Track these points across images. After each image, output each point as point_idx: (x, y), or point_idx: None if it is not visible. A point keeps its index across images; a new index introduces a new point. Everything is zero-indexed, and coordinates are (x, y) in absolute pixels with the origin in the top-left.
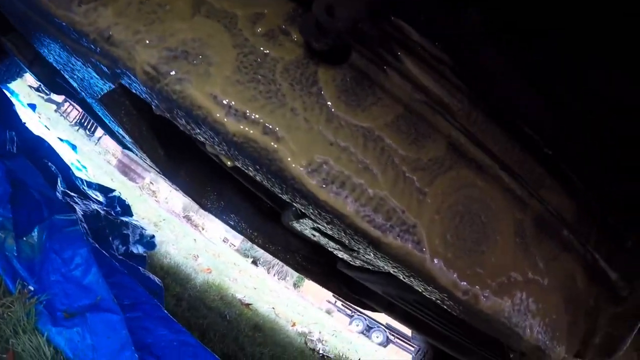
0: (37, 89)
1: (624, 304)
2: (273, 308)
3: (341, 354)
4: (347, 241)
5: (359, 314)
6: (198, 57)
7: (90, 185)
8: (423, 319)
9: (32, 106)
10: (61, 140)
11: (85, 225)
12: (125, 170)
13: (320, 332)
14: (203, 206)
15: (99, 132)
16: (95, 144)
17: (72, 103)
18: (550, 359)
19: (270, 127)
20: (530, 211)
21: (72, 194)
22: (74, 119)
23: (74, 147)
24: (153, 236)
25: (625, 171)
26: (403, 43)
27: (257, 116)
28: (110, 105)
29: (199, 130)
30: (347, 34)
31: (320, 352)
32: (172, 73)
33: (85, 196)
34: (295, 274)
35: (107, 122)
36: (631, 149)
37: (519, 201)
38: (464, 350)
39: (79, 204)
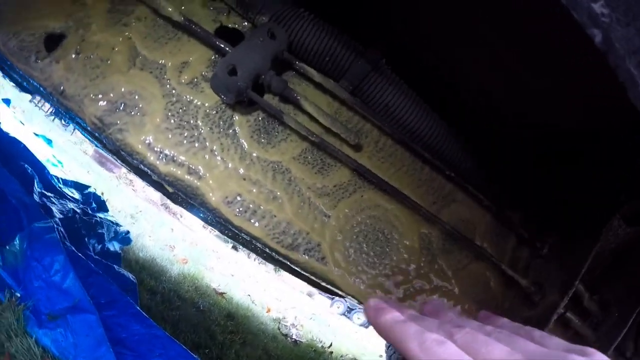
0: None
1: (535, 309)
2: (249, 295)
3: (315, 338)
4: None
5: (340, 296)
6: (134, 108)
7: (66, 183)
8: None
9: (7, 101)
10: (37, 135)
11: (62, 230)
12: (101, 160)
13: (296, 317)
14: (174, 200)
15: None
16: (71, 134)
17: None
18: None
19: (193, 167)
20: (438, 225)
21: (49, 194)
22: (48, 109)
23: (49, 142)
24: (128, 232)
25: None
26: (306, 82)
27: (182, 158)
28: None
29: (142, 167)
30: (249, 89)
31: (294, 337)
32: (115, 124)
33: (61, 195)
34: None
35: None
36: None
37: (425, 217)
38: None
39: (55, 204)
